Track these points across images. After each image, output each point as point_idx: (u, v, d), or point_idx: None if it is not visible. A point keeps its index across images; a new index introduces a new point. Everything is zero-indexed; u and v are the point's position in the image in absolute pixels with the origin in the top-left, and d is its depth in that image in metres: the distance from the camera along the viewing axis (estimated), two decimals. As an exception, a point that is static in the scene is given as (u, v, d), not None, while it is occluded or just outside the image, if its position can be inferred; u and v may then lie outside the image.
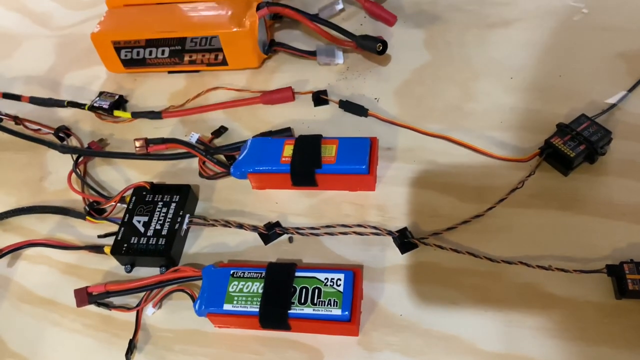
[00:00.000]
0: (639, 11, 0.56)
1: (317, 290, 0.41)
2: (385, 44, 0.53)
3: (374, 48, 0.52)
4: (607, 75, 0.52)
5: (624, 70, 0.52)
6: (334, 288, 0.41)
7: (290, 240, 0.47)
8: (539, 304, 0.41)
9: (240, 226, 0.48)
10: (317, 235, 0.47)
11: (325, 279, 0.42)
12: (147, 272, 0.48)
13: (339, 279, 0.41)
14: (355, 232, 0.46)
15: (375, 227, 0.46)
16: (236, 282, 0.43)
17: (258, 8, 0.58)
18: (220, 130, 0.56)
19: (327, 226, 0.47)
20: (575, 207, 0.45)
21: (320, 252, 0.47)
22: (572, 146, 0.46)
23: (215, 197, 0.52)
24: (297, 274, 0.42)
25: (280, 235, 0.48)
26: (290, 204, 0.50)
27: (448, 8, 0.62)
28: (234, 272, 0.43)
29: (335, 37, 0.59)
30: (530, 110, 0.52)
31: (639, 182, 0.45)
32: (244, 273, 0.43)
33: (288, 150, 0.49)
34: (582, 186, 0.46)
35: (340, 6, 0.63)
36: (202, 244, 0.49)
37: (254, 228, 0.48)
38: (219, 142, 0.56)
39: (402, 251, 0.45)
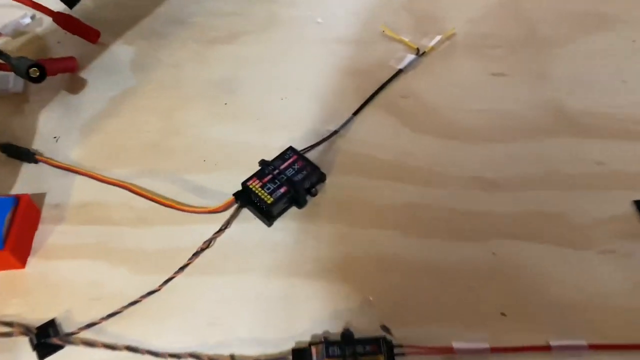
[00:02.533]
0: (373, 22, 0.51)
1: None
2: (42, 69, 0.40)
3: (25, 73, 0.39)
4: (336, 96, 0.45)
5: (351, 90, 0.46)
6: None
7: None
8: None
9: None
10: None
11: None
12: None
13: None
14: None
15: (7, 324, 0.34)
16: None
17: None
18: None
19: None
20: (280, 268, 0.35)
21: None
22: (272, 189, 0.37)
23: None
24: None
25: None
26: None
27: (168, 21, 0.52)
28: None
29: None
30: (240, 143, 0.42)
31: (352, 227, 0.37)
32: None
33: None
34: (288, 238, 0.37)
35: (27, 20, 0.50)
36: None
37: None
38: None
39: (40, 357, 0.32)
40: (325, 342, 0.31)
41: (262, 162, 0.38)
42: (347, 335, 0.32)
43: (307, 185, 0.38)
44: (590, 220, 0.37)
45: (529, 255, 0.35)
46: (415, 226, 0.37)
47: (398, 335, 0.32)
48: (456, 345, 0.32)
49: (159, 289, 0.34)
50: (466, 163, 0.40)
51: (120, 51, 0.49)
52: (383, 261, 0.36)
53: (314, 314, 0.33)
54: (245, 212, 0.38)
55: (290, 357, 0.31)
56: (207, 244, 0.36)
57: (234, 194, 0.37)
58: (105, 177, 0.40)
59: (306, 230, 0.37)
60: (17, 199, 0.36)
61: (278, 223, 0.38)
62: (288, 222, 0.38)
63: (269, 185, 0.37)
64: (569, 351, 0.31)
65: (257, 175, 0.38)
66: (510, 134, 0.42)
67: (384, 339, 0.31)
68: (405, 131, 0.42)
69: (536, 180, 0.39)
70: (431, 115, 0.44)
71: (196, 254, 0.35)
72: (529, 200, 0.38)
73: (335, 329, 0.33)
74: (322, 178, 0.39)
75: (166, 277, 0.35)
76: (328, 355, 0.30)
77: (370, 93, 0.45)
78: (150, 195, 0.38)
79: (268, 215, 0.37)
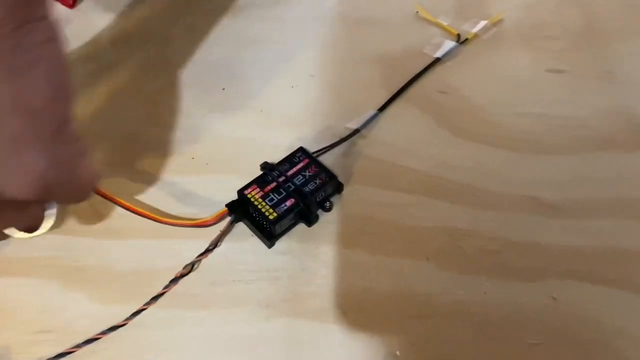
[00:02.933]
0: (405, 1, 0.43)
1: None
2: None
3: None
4: (358, 87, 0.37)
5: (377, 81, 0.38)
6: None
7: None
8: None
9: None
10: None
11: None
12: None
13: None
14: None
15: None
16: None
17: None
18: None
19: None
20: (281, 303, 0.28)
21: None
22: (276, 201, 0.30)
23: None
24: None
25: None
26: None
27: None
28: None
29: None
30: (239, 140, 0.34)
31: (374, 255, 0.29)
32: None
33: None
34: (292, 264, 0.30)
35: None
36: None
37: None
38: None
39: (-38, 409, 0.25)
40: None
41: (265, 166, 0.31)
42: None
43: (319, 197, 0.30)
44: (676, 261, 0.29)
45: (599, 303, 0.28)
46: (454, 257, 0.29)
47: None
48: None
49: (124, 324, 0.27)
50: (519, 179, 0.32)
51: (100, 19, 0.41)
52: (412, 302, 0.28)
53: (320, 364, 0.26)
54: (241, 228, 0.31)
55: None
56: (190, 269, 0.28)
57: (227, 205, 0.30)
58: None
59: (316, 255, 0.30)
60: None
61: (281, 244, 0.30)
62: (294, 244, 0.30)
63: (272, 196, 0.29)
64: None
65: (258, 182, 0.30)
66: (575, 145, 0.34)
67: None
68: (443, 135, 0.35)
69: (609, 207, 0.31)
70: (475, 116, 0.36)
71: (174, 281, 0.28)
72: (600, 232, 0.30)
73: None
74: (338, 189, 0.31)
75: (135, 309, 0.27)
76: None
77: (401, 85, 0.36)
78: (121, 201, 0.30)
79: (269, 234, 0.29)
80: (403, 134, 0.35)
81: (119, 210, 0.30)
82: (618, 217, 0.31)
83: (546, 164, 0.33)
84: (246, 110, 0.36)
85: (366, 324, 0.27)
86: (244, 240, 0.30)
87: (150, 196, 0.32)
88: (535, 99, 0.36)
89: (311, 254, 0.30)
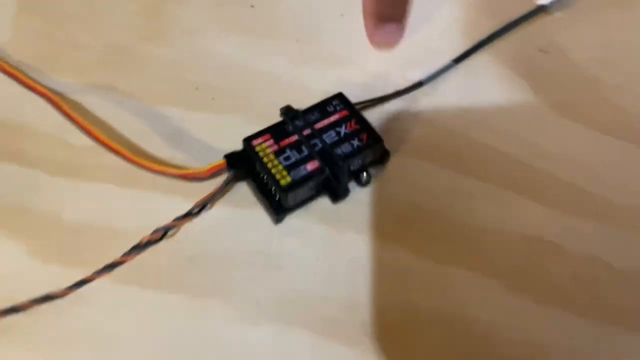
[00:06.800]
0: None
1: None
2: None
3: None
4: (430, 26, 0.28)
5: (459, 23, 0.29)
6: None
7: None
8: None
9: None
10: None
11: None
12: None
13: None
14: None
15: None
16: None
17: None
18: None
19: None
20: (283, 305, 0.21)
21: None
22: (293, 161, 0.22)
23: None
24: None
25: None
26: None
27: None
28: None
29: None
30: (262, 73, 0.27)
31: (422, 257, 0.22)
32: None
33: None
34: (304, 252, 0.22)
35: None
36: None
37: None
38: None
39: None
40: None
41: (287, 111, 0.23)
42: None
43: (354, 165, 0.22)
44: None
45: None
46: (533, 280, 0.21)
47: None
48: None
49: (64, 295, 0.20)
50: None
51: None
52: (466, 331, 0.20)
53: None
54: (242, 191, 0.24)
55: None
56: (161, 234, 0.21)
57: (226, 156, 0.23)
58: (36, 82, 0.26)
59: (338, 243, 0.22)
60: None
61: (292, 220, 0.23)
62: (309, 223, 0.22)
63: (289, 154, 0.22)
64: None
65: (274, 131, 0.22)
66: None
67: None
68: (540, 108, 0.26)
69: None
70: (588, 90, 0.27)
71: (139, 248, 0.21)
72: None
73: None
74: (382, 158, 0.23)
75: (81, 276, 0.21)
76: None
77: (489, 33, 0.28)
78: (96, 133, 0.23)
79: (278, 205, 0.22)
80: (483, 97, 0.26)
81: (85, 140, 0.24)
82: None
83: None
84: (276, 37, 0.28)
85: (397, 353, 0.20)
86: (243, 207, 0.23)
87: (132, 129, 0.25)
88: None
89: (332, 241, 0.22)
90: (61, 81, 0.26)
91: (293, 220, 0.23)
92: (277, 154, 0.22)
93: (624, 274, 0.22)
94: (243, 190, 0.23)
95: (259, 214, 0.23)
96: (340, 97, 0.24)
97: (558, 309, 0.21)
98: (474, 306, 0.21)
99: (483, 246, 0.22)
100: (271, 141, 0.22)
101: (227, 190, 0.23)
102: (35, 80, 0.26)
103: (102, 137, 0.24)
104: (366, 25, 0.22)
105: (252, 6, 0.29)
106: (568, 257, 0.22)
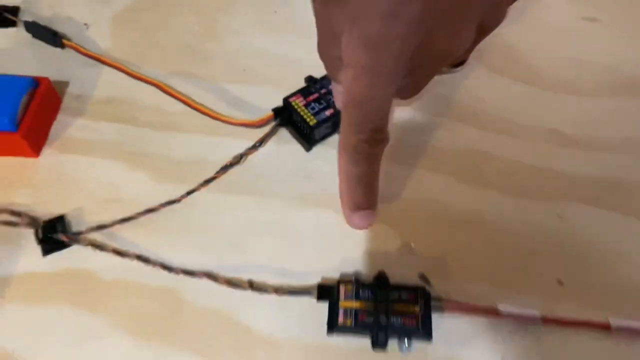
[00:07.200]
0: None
1: None
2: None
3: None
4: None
5: None
6: None
7: None
8: (229, 343, 0.28)
9: None
10: None
11: None
12: None
13: None
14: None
15: (15, 213, 0.32)
16: None
17: None
18: None
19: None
20: (313, 197, 0.33)
21: None
22: (317, 110, 0.34)
23: None
24: None
25: None
26: None
27: None
28: None
29: None
30: (286, 58, 0.39)
31: (401, 166, 0.34)
32: None
33: None
34: (326, 167, 0.34)
35: None
36: None
37: None
38: None
39: (44, 252, 0.31)
40: (356, 281, 0.29)
41: (310, 79, 0.35)
42: (381, 279, 0.29)
43: (356, 111, 0.35)
44: (682, 197, 0.33)
45: (601, 224, 0.32)
46: (474, 175, 0.34)
47: (439, 288, 0.29)
48: (503, 308, 0.29)
49: (179, 200, 0.32)
50: (545, 114, 0.36)
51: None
52: (432, 207, 0.33)
53: (345, 251, 0.31)
54: (284, 134, 0.36)
55: (315, 292, 0.29)
56: (238, 160, 0.33)
57: (273, 109, 0.35)
58: (135, 72, 0.38)
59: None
60: (37, 81, 0.35)
61: (318, 149, 0.35)
62: (329, 150, 0.35)
63: (313, 105, 0.34)
64: (632, 336, 0.29)
65: (302, 92, 0.35)
66: (602, 89, 0.38)
67: (423, 289, 0.29)
68: (479, 69, 0.39)
69: (625, 145, 0.35)
70: (509, 55, 0.39)
71: (224, 169, 0.33)
72: (612, 165, 0.34)
73: (367, 271, 0.30)
74: (374, 107, 0.36)
75: (188, 189, 0.33)
76: (358, 297, 0.28)
77: None
78: (183, 97, 0.36)
79: (308, 138, 0.34)
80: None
81: (176, 108, 0.36)
82: (630, 154, 0.35)
83: (572, 103, 0.37)
84: (295, 33, 0.41)
85: (387, 220, 0.32)
86: (285, 144, 0.35)
87: (206, 99, 0.37)
88: (569, 45, 0.40)
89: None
90: (152, 71, 0.38)
91: (318, 149, 0.35)
92: (306, 105, 0.34)
93: (533, 168, 0.34)
94: (285, 134, 0.36)
95: (296, 147, 0.35)
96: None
97: (490, 191, 0.33)
98: (435, 194, 0.33)
99: (442, 158, 0.35)
100: (301, 98, 0.34)
101: (274, 134, 0.35)
102: (135, 71, 0.38)
103: (191, 102, 0.36)
104: (344, 211, 0.26)
105: (275, 12, 0.42)
106: (495, 160, 0.34)
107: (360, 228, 0.26)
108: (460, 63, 0.35)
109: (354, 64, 0.22)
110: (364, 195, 0.25)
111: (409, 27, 0.21)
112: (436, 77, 0.32)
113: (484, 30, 0.25)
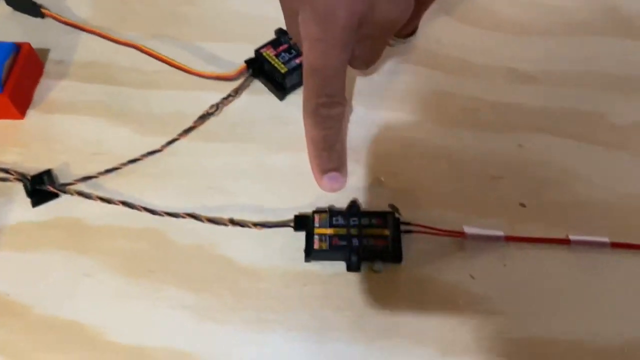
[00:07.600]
0: None
1: None
2: None
3: None
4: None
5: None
6: None
7: None
8: (213, 275, 0.30)
9: None
10: None
11: None
12: None
13: None
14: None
15: (3, 170, 0.34)
16: None
17: None
18: None
19: None
20: (288, 142, 0.35)
21: None
22: (287, 59, 0.36)
23: None
24: None
25: None
26: None
27: None
28: None
29: None
30: (261, 17, 0.40)
31: (374, 110, 0.36)
32: None
33: None
34: (300, 114, 0.36)
35: None
36: None
37: None
38: None
39: (34, 203, 0.33)
40: (329, 210, 0.31)
41: (279, 31, 0.37)
42: (353, 207, 0.31)
43: (325, 59, 0.37)
44: (630, 122, 0.35)
45: (558, 150, 0.34)
46: (439, 114, 0.36)
47: (407, 216, 0.32)
48: (468, 229, 0.31)
49: (161, 150, 0.34)
50: (503, 54, 0.39)
51: None
52: (402, 144, 0.35)
53: (319, 190, 0.33)
54: (258, 87, 0.37)
55: (292, 223, 0.31)
56: (214, 109, 0.35)
57: (245, 61, 0.37)
58: (113, 36, 0.39)
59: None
60: (18, 46, 0.36)
61: (291, 98, 0.37)
62: (301, 99, 0.37)
63: (283, 55, 0.36)
64: (589, 247, 0.31)
65: (272, 43, 0.36)
66: (555, 28, 0.40)
67: (392, 214, 0.31)
68: (440, 17, 0.41)
69: (576, 78, 0.37)
70: (468, 1, 0.42)
71: (202, 118, 0.35)
72: (566, 97, 0.36)
73: (340, 204, 0.32)
74: (342, 55, 0.38)
75: (169, 139, 0.35)
76: (331, 224, 0.30)
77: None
78: (159, 55, 0.37)
79: (281, 87, 0.36)
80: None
81: (153, 67, 0.38)
82: (584, 86, 0.37)
83: (527, 42, 0.39)
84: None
85: (359, 158, 0.34)
86: (259, 94, 0.37)
87: (183, 57, 0.39)
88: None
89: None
90: (130, 34, 0.40)
91: (291, 98, 0.37)
92: (277, 55, 0.36)
93: (494, 104, 0.36)
94: (259, 86, 0.37)
95: (269, 97, 0.37)
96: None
97: (454, 127, 0.35)
98: (405, 132, 0.35)
99: (411, 100, 0.37)
100: (272, 49, 0.36)
101: (248, 85, 0.37)
102: (114, 35, 0.40)
103: (168, 59, 0.37)
104: (314, 176, 0.28)
105: (246, -25, 0.43)
106: (458, 98, 0.37)
107: (330, 190, 0.28)
108: (410, 34, 0.37)
109: (308, 37, 0.26)
110: (329, 157, 0.28)
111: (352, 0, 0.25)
112: (388, 48, 0.35)
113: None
